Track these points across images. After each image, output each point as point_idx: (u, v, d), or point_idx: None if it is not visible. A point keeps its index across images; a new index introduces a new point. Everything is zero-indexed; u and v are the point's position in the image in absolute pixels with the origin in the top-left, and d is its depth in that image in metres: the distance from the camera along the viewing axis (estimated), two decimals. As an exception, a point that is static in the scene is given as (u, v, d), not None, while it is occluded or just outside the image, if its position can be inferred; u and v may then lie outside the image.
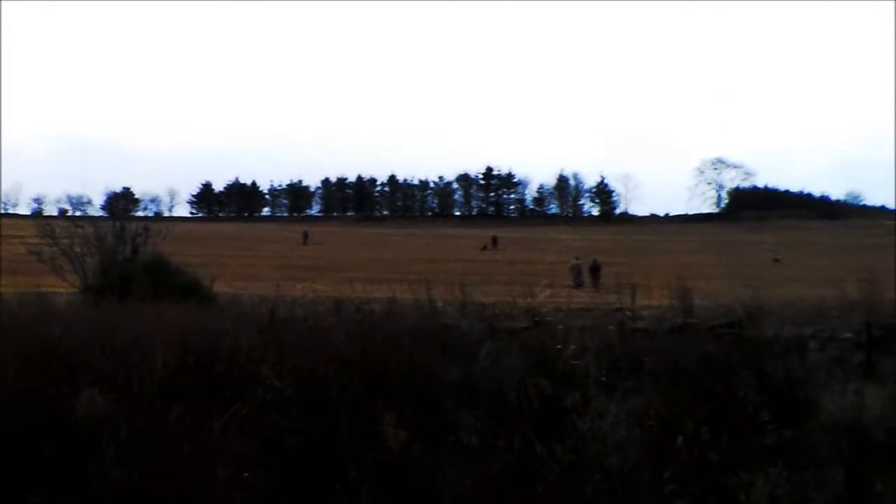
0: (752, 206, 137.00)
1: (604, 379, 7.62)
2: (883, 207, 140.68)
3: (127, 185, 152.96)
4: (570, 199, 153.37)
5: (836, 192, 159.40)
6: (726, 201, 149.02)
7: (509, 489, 6.08)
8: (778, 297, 20.97)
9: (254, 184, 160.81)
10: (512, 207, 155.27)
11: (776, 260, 66.64)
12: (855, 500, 5.58)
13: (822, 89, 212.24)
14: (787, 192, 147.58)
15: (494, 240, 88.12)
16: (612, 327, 9.05)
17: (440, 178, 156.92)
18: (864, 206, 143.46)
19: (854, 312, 17.63)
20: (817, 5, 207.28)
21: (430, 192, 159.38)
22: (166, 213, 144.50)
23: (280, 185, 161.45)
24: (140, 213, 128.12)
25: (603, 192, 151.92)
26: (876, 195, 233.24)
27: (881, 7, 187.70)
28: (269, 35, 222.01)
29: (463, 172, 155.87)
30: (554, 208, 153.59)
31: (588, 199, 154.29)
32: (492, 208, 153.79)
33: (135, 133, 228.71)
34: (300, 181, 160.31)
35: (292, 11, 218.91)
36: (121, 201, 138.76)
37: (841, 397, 9.31)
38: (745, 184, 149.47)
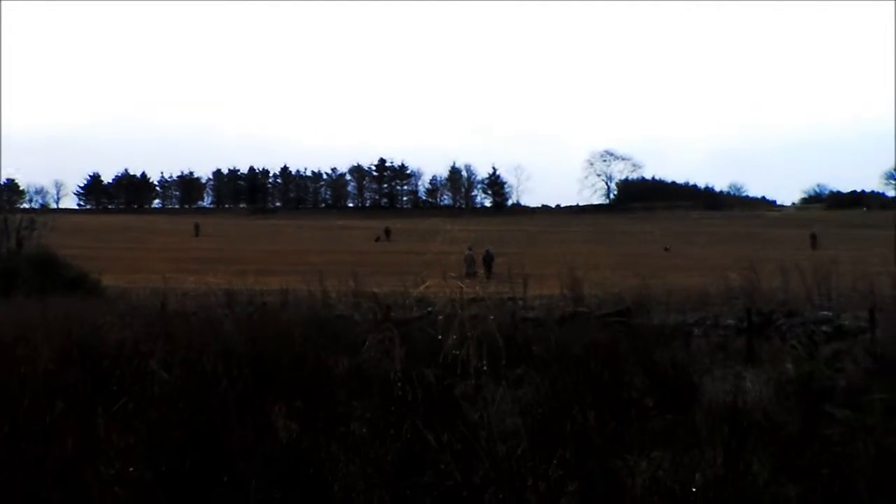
0: (641, 197, 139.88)
1: (485, 368, 7.70)
2: (763, 198, 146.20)
3: (11, 177, 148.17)
4: (463, 190, 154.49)
5: (720, 184, 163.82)
6: (615, 192, 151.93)
7: (399, 477, 6.11)
8: (664, 287, 21.61)
9: (144, 175, 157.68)
10: (405, 199, 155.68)
11: (666, 249, 68.17)
12: (733, 480, 5.77)
13: (706, 81, 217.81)
14: (673, 183, 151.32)
15: (387, 231, 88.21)
16: (492, 317, 9.14)
17: (333, 169, 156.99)
18: (746, 196, 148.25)
19: (736, 300, 18.30)
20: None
21: (322, 183, 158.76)
22: (53, 206, 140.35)
23: (171, 177, 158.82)
24: (25, 206, 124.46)
25: (495, 184, 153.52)
26: (756, 186, 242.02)
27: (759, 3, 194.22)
28: (160, 20, 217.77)
29: (356, 164, 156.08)
30: (447, 199, 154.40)
31: (480, 191, 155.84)
32: (385, 200, 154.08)
33: (17, 119, 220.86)
34: (191, 173, 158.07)
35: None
36: (4, 193, 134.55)
37: (722, 381, 9.65)
38: (634, 175, 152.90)
